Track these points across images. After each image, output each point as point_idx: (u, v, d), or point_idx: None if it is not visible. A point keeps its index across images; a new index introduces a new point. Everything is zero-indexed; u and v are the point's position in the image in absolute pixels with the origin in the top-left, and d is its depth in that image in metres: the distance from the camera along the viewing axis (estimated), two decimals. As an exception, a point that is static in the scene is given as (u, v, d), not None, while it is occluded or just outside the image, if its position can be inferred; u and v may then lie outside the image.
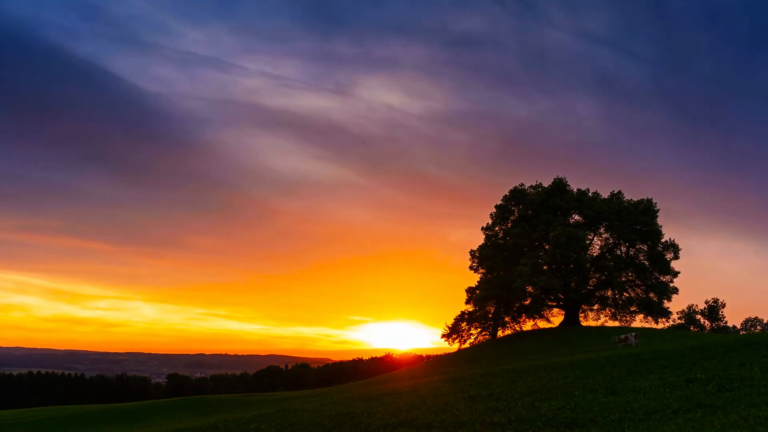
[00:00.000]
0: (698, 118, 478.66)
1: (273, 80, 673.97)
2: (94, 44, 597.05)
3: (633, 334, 44.05)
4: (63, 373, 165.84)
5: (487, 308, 71.19)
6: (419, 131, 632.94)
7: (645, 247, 69.01)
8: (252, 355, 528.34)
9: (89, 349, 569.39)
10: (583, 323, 69.61)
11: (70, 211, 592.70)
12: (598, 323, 70.57)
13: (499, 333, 71.56)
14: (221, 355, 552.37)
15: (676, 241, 68.60)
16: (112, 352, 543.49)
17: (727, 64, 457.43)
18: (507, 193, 72.42)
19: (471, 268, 73.04)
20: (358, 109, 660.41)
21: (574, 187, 71.45)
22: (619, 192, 71.16)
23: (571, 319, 68.53)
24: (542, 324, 72.37)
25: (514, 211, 72.49)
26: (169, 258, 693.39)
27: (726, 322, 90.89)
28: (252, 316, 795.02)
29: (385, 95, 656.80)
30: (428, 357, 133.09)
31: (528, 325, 72.76)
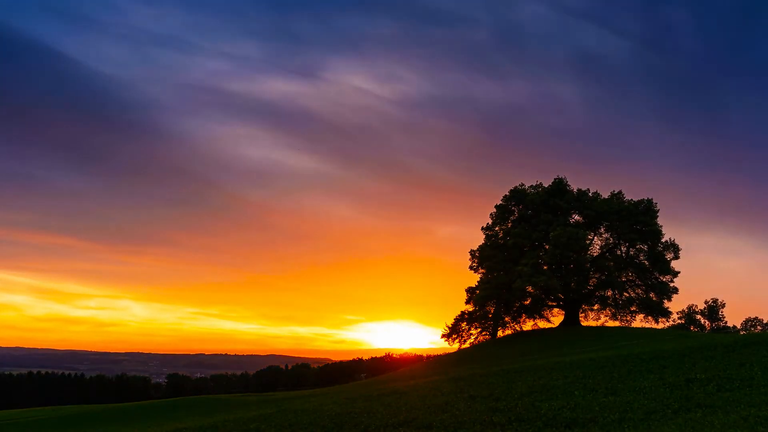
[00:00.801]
0: (687, 99, 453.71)
1: (234, 62, 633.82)
2: (39, 21, 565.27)
3: None
4: (63, 373, 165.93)
5: (487, 308, 71.21)
6: (393, 118, 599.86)
7: (645, 247, 69.03)
8: (252, 355, 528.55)
9: (85, 348, 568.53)
10: (583, 323, 69.63)
11: (39, 204, 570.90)
12: (598, 323, 70.64)
13: (499, 333, 71.58)
14: (221, 355, 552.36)
15: (671, 238, 68.83)
16: (112, 352, 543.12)
17: (716, 39, 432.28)
18: (507, 193, 72.51)
19: (471, 268, 73.13)
20: (328, 94, 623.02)
21: (574, 187, 71.65)
22: (620, 192, 71.33)
23: (571, 319, 68.55)
24: (542, 324, 72.49)
25: (514, 211, 72.52)
26: (150, 255, 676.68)
27: (726, 322, 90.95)
28: (244, 315, 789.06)
29: (354, 78, 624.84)
30: (428, 357, 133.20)
31: (528, 325, 72.88)
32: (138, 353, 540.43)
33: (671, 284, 68.09)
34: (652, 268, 68.68)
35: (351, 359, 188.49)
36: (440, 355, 78.88)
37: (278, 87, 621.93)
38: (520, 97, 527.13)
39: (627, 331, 57.13)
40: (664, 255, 67.99)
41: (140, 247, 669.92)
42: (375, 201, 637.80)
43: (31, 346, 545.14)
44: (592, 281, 69.58)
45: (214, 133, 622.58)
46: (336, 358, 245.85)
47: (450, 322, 73.19)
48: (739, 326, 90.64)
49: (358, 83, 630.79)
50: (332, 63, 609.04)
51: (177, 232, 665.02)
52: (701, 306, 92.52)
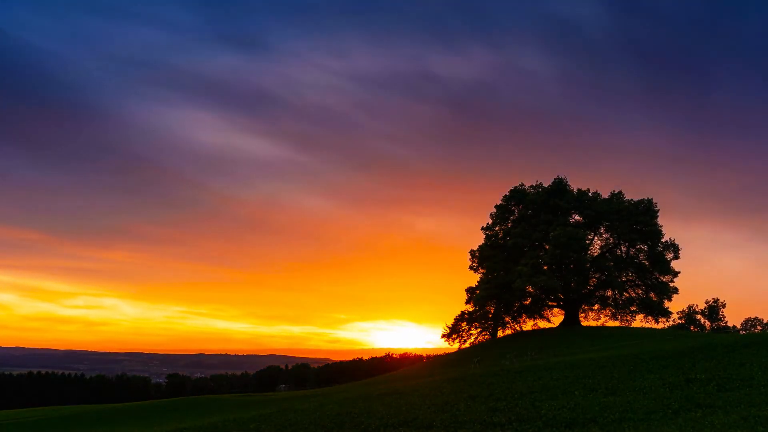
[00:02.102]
0: (668, 68, 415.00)
1: (171, 31, 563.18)
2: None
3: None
4: (63, 373, 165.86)
5: (487, 308, 71.19)
6: (352, 96, 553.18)
7: (645, 247, 69.01)
8: (252, 355, 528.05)
9: (85, 348, 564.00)
10: (583, 323, 69.61)
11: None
12: (598, 323, 70.62)
13: (499, 333, 71.57)
14: (221, 355, 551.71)
15: (671, 238, 68.85)
16: (112, 352, 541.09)
17: (698, 3, 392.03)
18: (507, 193, 72.56)
19: (471, 268, 73.16)
20: (278, 68, 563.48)
21: (574, 187, 71.66)
22: (620, 192, 71.33)
23: (571, 319, 68.53)
24: (542, 324, 72.49)
25: (514, 211, 72.54)
26: (122, 250, 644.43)
27: (726, 322, 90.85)
28: (233, 314, 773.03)
29: (303, 50, 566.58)
30: (428, 357, 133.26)
31: (528, 325, 72.89)
32: (138, 353, 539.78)
33: (671, 284, 68.13)
34: (652, 268, 68.67)
35: (351, 359, 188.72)
36: (440, 355, 78.91)
37: (224, 61, 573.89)
38: (485, 71, 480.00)
39: (627, 331, 57.15)
40: (664, 255, 68.00)
41: (109, 241, 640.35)
42: (345, 191, 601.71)
43: (31, 346, 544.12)
44: (592, 281, 69.57)
45: (164, 117, 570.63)
46: (336, 359, 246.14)
47: (450, 321, 73.29)
48: (739, 326, 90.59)
49: (308, 56, 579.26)
50: (278, 32, 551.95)
51: (143, 225, 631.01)
52: (701, 306, 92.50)
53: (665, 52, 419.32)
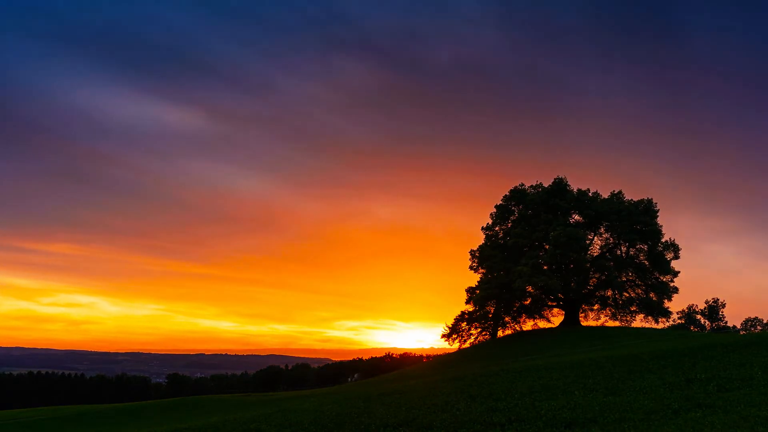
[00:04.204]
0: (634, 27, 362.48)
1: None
2: None
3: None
4: (63, 373, 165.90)
5: (487, 308, 71.18)
6: (262, 50, 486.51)
7: (645, 247, 69.04)
8: (252, 354, 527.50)
9: (85, 348, 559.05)
10: (583, 323, 69.62)
11: None
12: (598, 323, 70.63)
13: (499, 333, 71.57)
14: (221, 355, 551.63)
15: (671, 238, 68.91)
16: (112, 352, 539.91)
17: None
18: (507, 193, 72.62)
19: (471, 268, 73.18)
20: (167, 14, 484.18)
21: (574, 187, 71.71)
22: (620, 192, 71.47)
23: (571, 319, 68.54)
24: (542, 324, 72.48)
25: (514, 211, 72.56)
26: (69, 242, 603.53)
27: (726, 322, 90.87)
28: (213, 312, 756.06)
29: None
30: (428, 357, 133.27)
31: (528, 325, 72.86)
32: (138, 353, 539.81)
33: (671, 284, 68.17)
34: (652, 268, 68.69)
35: (351, 359, 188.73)
36: (440, 355, 78.91)
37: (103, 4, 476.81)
38: (414, 19, 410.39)
39: (627, 331, 57.11)
40: (664, 255, 68.04)
41: (52, 233, 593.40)
42: (289, 171, 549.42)
43: (31, 346, 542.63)
44: (592, 281, 69.57)
45: (63, 83, 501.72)
46: (337, 358, 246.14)
47: (449, 322, 73.28)
48: (739, 326, 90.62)
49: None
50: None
51: (78, 211, 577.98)
52: (701, 306, 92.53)
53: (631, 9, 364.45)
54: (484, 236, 73.78)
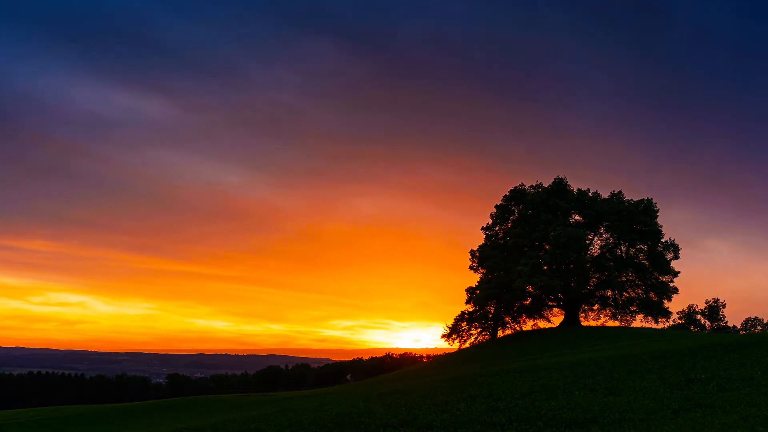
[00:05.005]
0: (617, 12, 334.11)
1: None
2: None
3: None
4: (63, 373, 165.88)
5: (487, 308, 71.22)
6: (230, 33, 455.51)
7: (645, 247, 69.12)
8: (252, 354, 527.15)
9: (85, 348, 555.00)
10: (583, 323, 69.68)
11: None
12: (598, 323, 70.69)
13: (499, 333, 71.61)
14: (221, 355, 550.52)
15: (671, 238, 68.97)
16: (112, 351, 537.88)
17: None
18: (507, 193, 72.70)
19: (471, 268, 73.25)
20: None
21: (574, 187, 71.83)
22: (620, 192, 71.65)
23: (571, 319, 68.58)
24: (542, 324, 72.51)
25: (514, 211, 72.63)
26: (52, 239, 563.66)
27: (726, 322, 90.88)
28: (204, 312, 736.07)
29: None
30: (428, 357, 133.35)
31: (528, 325, 72.88)
32: (138, 353, 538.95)
33: (671, 284, 68.23)
34: (652, 268, 68.75)
35: (351, 359, 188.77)
36: (440, 355, 78.95)
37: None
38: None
39: (627, 331, 57.16)
40: (664, 255, 68.12)
41: (28, 229, 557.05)
42: (260, 163, 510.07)
43: (31, 346, 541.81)
44: (592, 281, 69.63)
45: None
46: (337, 358, 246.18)
47: (447, 321, 73.41)
48: (739, 326, 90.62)
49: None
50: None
51: (49, 206, 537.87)
52: (701, 306, 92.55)
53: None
54: (484, 236, 73.92)
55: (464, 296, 71.65)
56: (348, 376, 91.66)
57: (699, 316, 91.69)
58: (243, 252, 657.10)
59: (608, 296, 70.56)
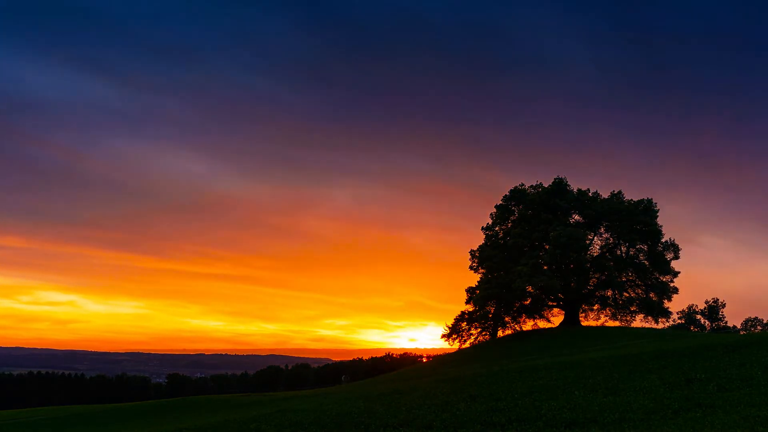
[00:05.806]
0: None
1: None
2: None
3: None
4: (63, 373, 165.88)
5: (487, 308, 71.21)
6: (187, 9, 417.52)
7: (645, 247, 69.09)
8: (252, 354, 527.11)
9: (85, 348, 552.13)
10: (583, 323, 69.66)
11: None
12: (598, 323, 70.65)
13: (499, 333, 71.60)
14: (221, 355, 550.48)
15: (671, 238, 68.92)
16: (111, 352, 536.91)
17: None
18: (507, 193, 72.67)
19: (471, 268, 73.23)
20: None
21: (574, 187, 71.84)
22: (619, 192, 71.60)
23: (571, 319, 68.57)
24: (542, 324, 72.47)
25: (514, 211, 72.62)
26: (22, 235, 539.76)
27: (726, 322, 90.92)
28: (196, 311, 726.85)
29: None
30: (428, 357, 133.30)
31: (528, 325, 72.84)
32: (138, 353, 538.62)
33: (671, 284, 68.22)
34: (652, 268, 68.74)
35: (351, 359, 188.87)
36: (440, 355, 78.91)
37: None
38: None
39: (627, 331, 57.14)
40: (664, 255, 68.10)
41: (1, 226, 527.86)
42: (231, 153, 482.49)
43: (27, 346, 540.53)
44: (592, 281, 69.61)
45: None
46: (337, 358, 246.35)
47: (450, 322, 73.34)
48: (739, 326, 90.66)
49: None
50: None
51: (13, 197, 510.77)
52: (701, 306, 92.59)
53: None
54: (484, 236, 73.90)
55: (458, 293, 71.87)
56: (343, 377, 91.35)
57: (699, 316, 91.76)
58: (225, 249, 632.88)
59: (608, 296, 70.55)
